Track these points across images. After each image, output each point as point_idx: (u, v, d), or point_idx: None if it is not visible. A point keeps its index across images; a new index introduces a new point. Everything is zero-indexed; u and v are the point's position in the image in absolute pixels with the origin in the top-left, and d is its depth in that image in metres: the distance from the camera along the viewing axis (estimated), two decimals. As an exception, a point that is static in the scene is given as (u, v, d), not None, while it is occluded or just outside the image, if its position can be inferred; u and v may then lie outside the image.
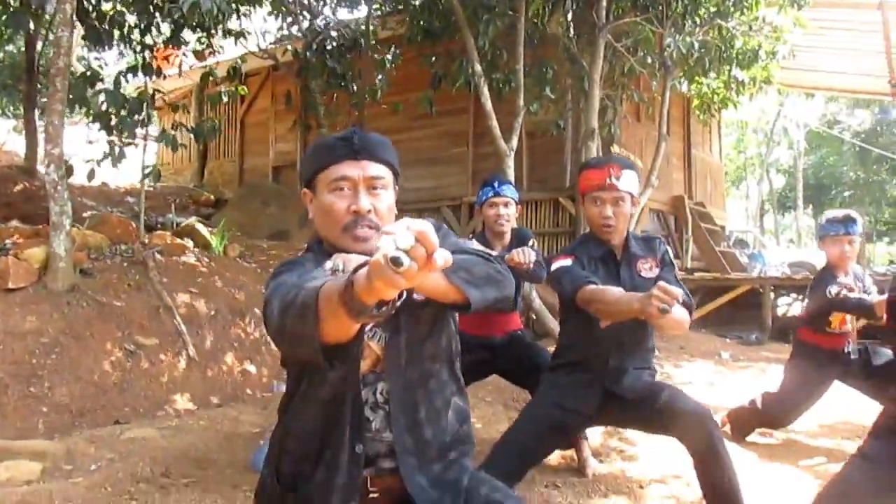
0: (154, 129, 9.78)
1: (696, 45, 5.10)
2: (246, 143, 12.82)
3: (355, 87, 7.11)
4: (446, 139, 10.07)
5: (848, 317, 3.80)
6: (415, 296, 1.54)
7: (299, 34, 8.04)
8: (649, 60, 5.59)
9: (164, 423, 4.19)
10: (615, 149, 8.90)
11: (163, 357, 4.77)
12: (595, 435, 4.03)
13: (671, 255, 2.72)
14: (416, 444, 1.61)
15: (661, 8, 5.23)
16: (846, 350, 3.82)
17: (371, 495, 1.61)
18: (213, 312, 5.30)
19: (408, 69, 7.72)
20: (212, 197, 10.93)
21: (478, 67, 5.22)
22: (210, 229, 7.00)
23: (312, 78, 7.27)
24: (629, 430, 4.20)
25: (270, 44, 9.80)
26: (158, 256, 5.51)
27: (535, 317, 6.71)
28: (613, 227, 2.58)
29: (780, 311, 10.34)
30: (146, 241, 5.80)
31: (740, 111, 9.08)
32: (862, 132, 25.16)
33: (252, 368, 5.21)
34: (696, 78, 6.50)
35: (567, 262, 2.57)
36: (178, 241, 5.95)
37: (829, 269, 3.82)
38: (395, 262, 1.01)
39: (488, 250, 1.67)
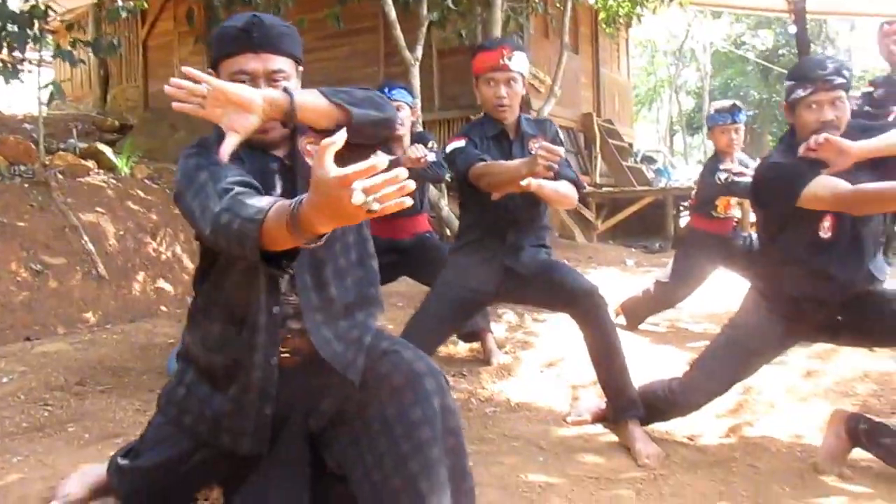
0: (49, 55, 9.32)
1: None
2: (150, 67, 12.35)
3: (259, 3, 6.92)
4: (357, 59, 9.95)
5: (733, 201, 4.10)
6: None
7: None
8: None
9: (77, 337, 4.20)
10: (547, 79, 9.02)
11: (71, 276, 4.73)
12: (500, 329, 4.26)
13: (562, 137, 2.86)
14: (321, 301, 1.70)
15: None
16: (732, 235, 4.13)
17: (282, 355, 1.70)
18: (122, 232, 5.26)
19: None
20: (116, 123, 10.55)
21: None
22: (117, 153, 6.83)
23: (216, -4, 7.03)
24: (533, 323, 4.47)
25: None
26: (61, 177, 5.39)
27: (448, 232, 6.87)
28: (507, 107, 2.67)
29: (682, 222, 10.82)
30: (47, 162, 5.64)
31: (649, 31, 9.28)
32: (765, 51, 25.94)
33: (166, 286, 5.22)
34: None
35: (461, 143, 2.67)
36: (83, 162, 5.81)
37: (717, 158, 4.10)
38: (369, 210, 1.11)
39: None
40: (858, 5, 11.52)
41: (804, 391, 3.26)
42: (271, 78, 1.65)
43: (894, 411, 2.96)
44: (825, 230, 2.35)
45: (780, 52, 25.42)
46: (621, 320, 4.37)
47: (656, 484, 2.34)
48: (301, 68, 1.77)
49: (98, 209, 5.25)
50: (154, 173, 6.69)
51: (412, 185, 1.17)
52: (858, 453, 2.44)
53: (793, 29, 11.60)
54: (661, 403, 2.67)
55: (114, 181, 5.80)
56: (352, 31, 8.66)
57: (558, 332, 4.13)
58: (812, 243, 2.36)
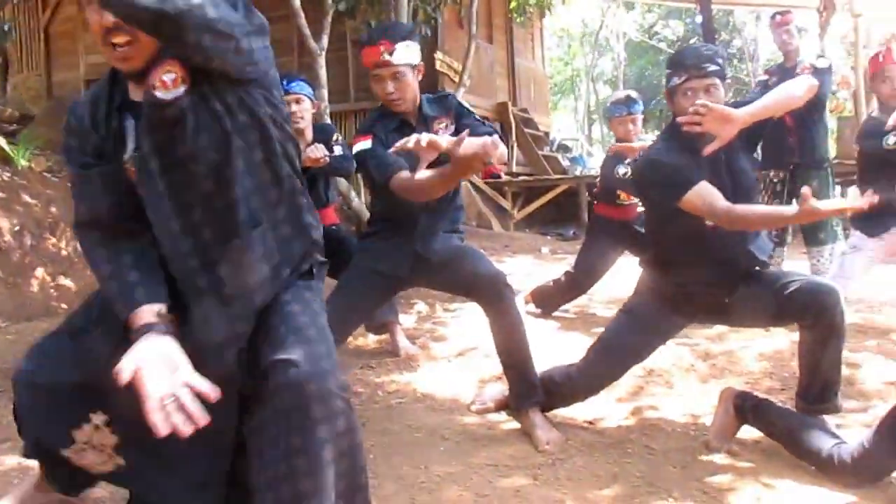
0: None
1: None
2: (53, 56, 11.80)
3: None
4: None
5: None
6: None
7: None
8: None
9: (-31, 339, 4.02)
10: (438, 56, 9.02)
11: (-35, 275, 4.52)
12: (410, 320, 4.27)
13: (466, 105, 2.77)
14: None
15: None
16: (636, 220, 4.24)
17: None
18: (17, 227, 5.03)
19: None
20: (16, 113, 10.05)
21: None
22: (13, 144, 6.53)
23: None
24: (444, 313, 4.50)
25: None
26: (-51, 170, 5.13)
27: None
28: (399, 100, 2.64)
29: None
30: (-65, 156, 5.36)
31: (564, 21, 9.40)
32: (676, 40, 26.69)
33: (67, 282, 5.03)
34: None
35: (367, 143, 2.60)
36: (-27, 155, 5.53)
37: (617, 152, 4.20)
38: None
39: None
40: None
41: (702, 372, 3.38)
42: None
43: (785, 388, 3.10)
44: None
45: (692, 41, 26.16)
46: (531, 308, 4.44)
47: (554, 469, 2.40)
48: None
49: (-9, 204, 5.00)
50: (55, 166, 6.42)
51: None
52: (747, 430, 2.56)
53: (699, 19, 11.98)
54: (562, 389, 2.74)
55: (8, 174, 5.55)
56: (266, 18, 8.48)
57: (469, 322, 4.17)
58: (696, 231, 2.45)
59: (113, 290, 1.64)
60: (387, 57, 2.56)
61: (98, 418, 1.74)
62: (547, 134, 13.21)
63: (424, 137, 2.11)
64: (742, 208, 2.32)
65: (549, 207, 9.64)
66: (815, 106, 4.20)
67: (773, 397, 2.70)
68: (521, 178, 10.35)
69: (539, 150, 11.22)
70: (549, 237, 9.03)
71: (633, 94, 4.31)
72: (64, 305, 4.87)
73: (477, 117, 2.75)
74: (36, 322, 4.42)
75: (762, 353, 3.54)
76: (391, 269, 2.77)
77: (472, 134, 2.32)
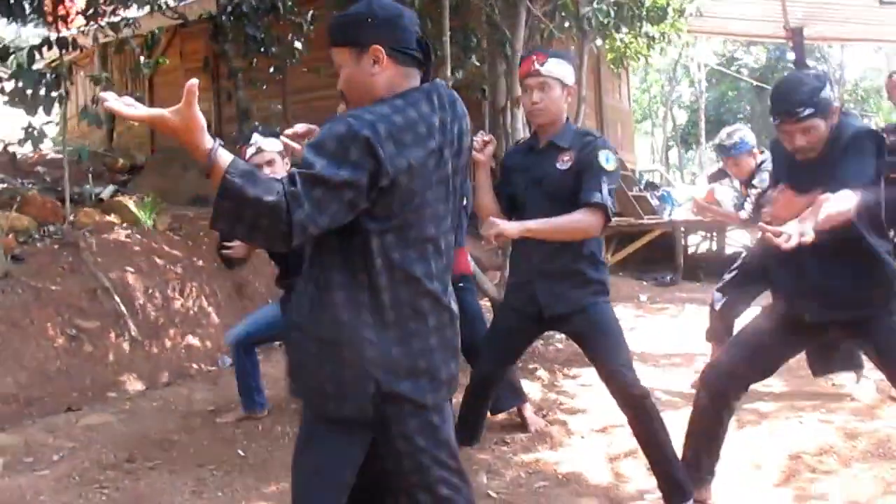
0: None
1: (610, 9, 5.31)
2: (156, 104, 12.10)
3: (274, 51, 7.02)
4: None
5: None
6: None
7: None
8: (566, 25, 5.77)
9: (118, 406, 4.25)
10: None
11: (105, 339, 4.78)
12: (532, 389, 4.31)
13: (602, 158, 2.68)
14: None
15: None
16: None
17: None
18: (150, 289, 5.31)
19: (326, 25, 7.60)
20: (126, 163, 10.59)
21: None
22: (132, 198, 6.89)
23: (227, 42, 7.12)
24: (564, 381, 4.54)
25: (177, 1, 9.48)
26: (89, 236, 5.45)
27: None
28: (542, 111, 2.73)
29: (689, 251, 10.91)
30: (73, 219, 5.70)
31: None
32: (758, 69, 26.22)
33: (196, 342, 5.27)
34: (610, 34, 6.73)
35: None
36: (107, 217, 5.87)
37: None
38: None
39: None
40: (845, 33, 11.75)
41: (845, 455, 3.33)
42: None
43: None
44: None
45: (776, 67, 25.72)
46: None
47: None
48: (368, 49, 1.69)
49: (127, 268, 5.29)
50: (174, 222, 6.74)
51: None
52: None
53: (791, 55, 11.82)
54: None
55: (138, 236, 5.85)
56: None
57: (595, 390, 4.21)
58: None
59: None
60: (536, 66, 2.69)
61: None
62: (634, 171, 13.13)
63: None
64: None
65: (642, 249, 9.58)
66: None
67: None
68: (614, 220, 10.29)
69: (629, 191, 11.15)
70: (644, 283, 8.96)
71: (733, 134, 4.31)
72: (195, 366, 5.11)
73: (604, 178, 2.65)
74: (174, 387, 4.65)
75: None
76: (519, 305, 2.91)
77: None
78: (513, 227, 2.59)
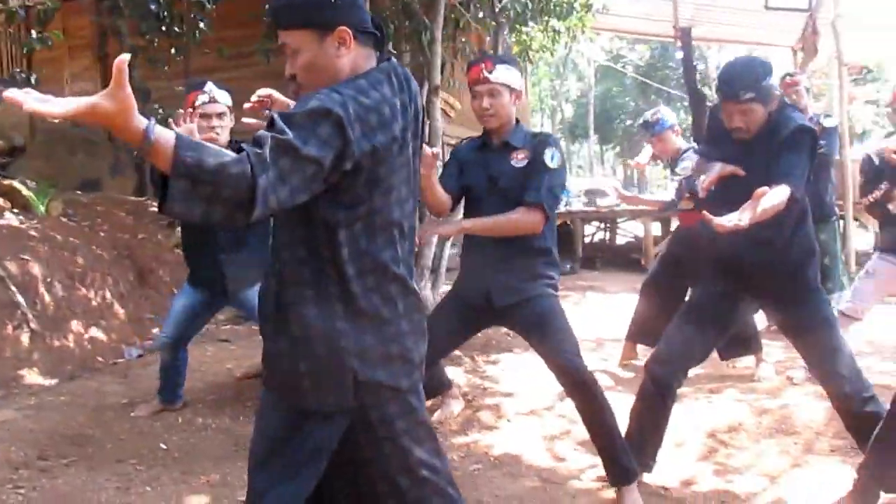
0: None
1: (528, 1, 5.42)
2: (36, 84, 11.62)
3: (176, 30, 6.74)
4: (271, 81, 9.76)
5: None
6: None
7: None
8: (480, 15, 5.85)
9: (21, 402, 4.00)
10: (457, 105, 9.18)
11: (2, 331, 4.48)
12: (458, 377, 4.37)
13: (551, 155, 2.76)
14: None
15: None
16: None
17: None
18: (48, 279, 5.01)
19: (236, 4, 7.33)
20: (4, 145, 9.89)
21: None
22: (17, 181, 6.46)
23: (121, 18, 6.78)
24: (487, 366, 4.62)
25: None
26: (-22, 222, 5.09)
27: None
28: (493, 116, 2.78)
29: (586, 241, 11.28)
30: (-41, 204, 5.31)
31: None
32: (642, 66, 27.31)
33: (100, 334, 5.03)
34: (518, 27, 6.86)
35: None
36: (-2, 203, 5.50)
37: None
38: None
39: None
40: (730, 35, 12.40)
41: (753, 431, 3.56)
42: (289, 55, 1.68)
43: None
44: None
45: (657, 65, 26.89)
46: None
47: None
48: (334, 31, 1.63)
49: (22, 256, 4.97)
50: (67, 207, 6.38)
51: None
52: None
53: (680, 55, 12.36)
54: None
55: (31, 221, 5.52)
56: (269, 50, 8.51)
57: (515, 375, 4.31)
58: None
59: None
60: (485, 74, 2.75)
61: None
62: (531, 163, 13.39)
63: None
64: None
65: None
66: (822, 164, 4.43)
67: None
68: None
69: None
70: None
71: (655, 113, 4.64)
72: (100, 358, 4.88)
73: (547, 176, 2.74)
74: (81, 381, 4.42)
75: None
76: (468, 294, 2.94)
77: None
78: (450, 227, 2.63)
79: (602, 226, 12.23)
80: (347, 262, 1.61)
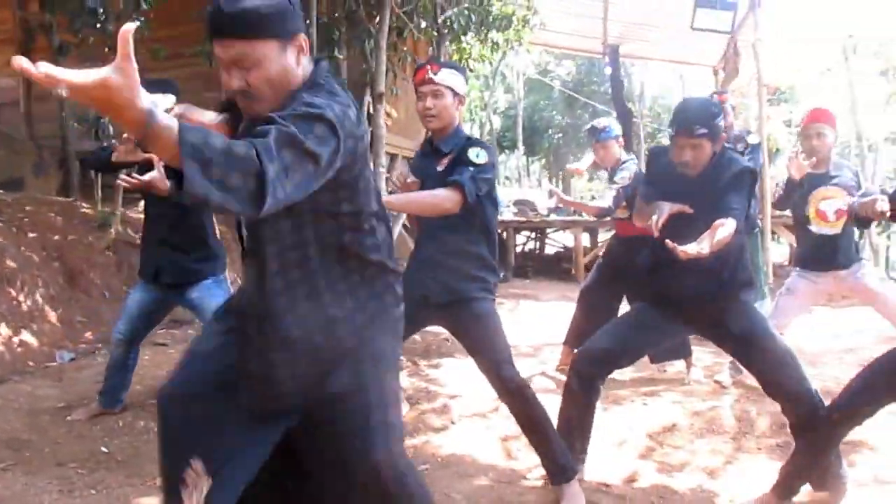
0: None
1: (472, 14, 5.54)
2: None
3: (111, 28, 6.58)
4: (199, 81, 9.61)
5: None
6: None
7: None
8: (423, 25, 5.93)
9: (-50, 405, 3.86)
10: (394, 113, 9.22)
11: (-75, 333, 4.31)
12: (403, 380, 4.42)
13: (474, 155, 2.78)
14: None
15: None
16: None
17: None
18: (-27, 280, 4.84)
19: (173, 3, 7.20)
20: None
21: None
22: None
23: (52, 13, 6.58)
24: (430, 370, 4.69)
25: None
26: None
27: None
28: (435, 116, 2.84)
29: (517, 250, 11.49)
30: None
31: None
32: (570, 81, 27.92)
33: (30, 338, 4.86)
34: (459, 37, 6.98)
35: None
36: (-83, 200, 5.25)
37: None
38: None
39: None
40: (654, 52, 12.86)
41: (686, 431, 3.74)
42: (238, 64, 1.60)
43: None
44: None
45: (584, 81, 27.52)
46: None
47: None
48: (292, 39, 1.64)
49: (-55, 255, 4.78)
50: (-8, 206, 6.14)
51: None
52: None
53: (608, 70, 12.77)
54: None
55: (-44, 221, 5.31)
56: (198, 52, 8.40)
57: (457, 378, 4.39)
58: None
59: None
60: (430, 75, 2.82)
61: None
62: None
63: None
64: None
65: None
66: None
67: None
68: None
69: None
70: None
71: (601, 121, 4.82)
72: (31, 363, 4.72)
73: (471, 168, 2.76)
74: (12, 384, 4.28)
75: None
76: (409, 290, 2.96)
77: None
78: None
79: (532, 235, 12.46)
80: (353, 257, 1.74)
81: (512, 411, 2.88)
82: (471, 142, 2.88)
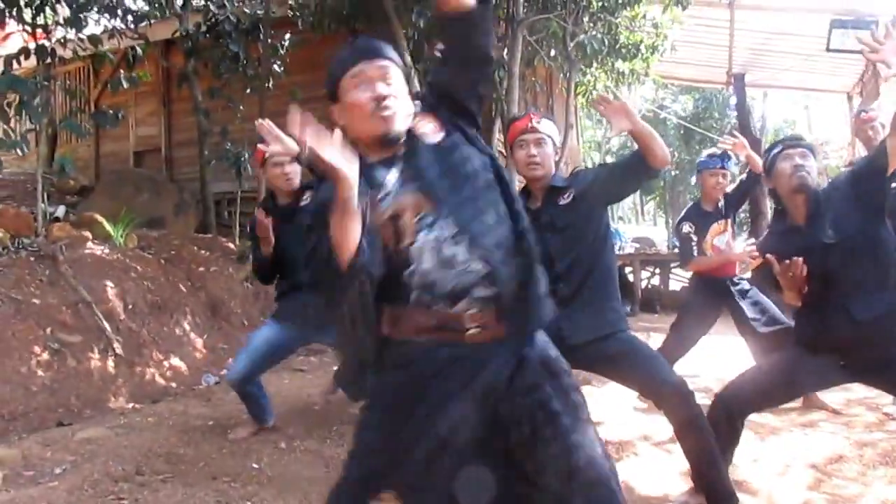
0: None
1: (605, 38, 5.49)
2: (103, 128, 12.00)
3: (251, 73, 6.95)
4: (329, 122, 9.96)
5: (716, 241, 4.36)
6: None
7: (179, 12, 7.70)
8: (552, 54, 5.94)
9: (112, 421, 4.06)
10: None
11: (89, 354, 4.57)
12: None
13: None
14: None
15: (570, 5, 5.58)
16: (734, 279, 4.34)
17: (470, 331, 1.68)
18: (130, 306, 5.12)
19: (310, 48, 7.55)
20: (75, 184, 10.19)
21: (408, 59, 5.33)
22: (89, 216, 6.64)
23: (204, 61, 7.01)
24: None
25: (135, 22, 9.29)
26: (64, 250, 5.23)
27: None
28: (539, 164, 2.81)
29: (643, 284, 11.20)
30: (45, 233, 5.47)
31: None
32: (686, 116, 27.32)
33: (178, 363, 5.10)
34: (583, 68, 6.95)
35: None
36: (81, 232, 5.65)
37: (696, 204, 4.50)
38: None
39: None
40: (781, 80, 12.39)
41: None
42: (383, 77, 1.84)
43: None
44: None
45: (701, 116, 26.87)
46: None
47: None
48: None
49: (106, 283, 5.09)
50: (141, 241, 6.54)
51: None
52: None
53: (733, 100, 12.41)
54: None
55: (115, 253, 5.65)
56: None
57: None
58: None
59: None
60: (534, 124, 2.83)
61: None
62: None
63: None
64: None
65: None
66: None
67: None
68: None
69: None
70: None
71: (729, 150, 4.56)
72: (182, 386, 4.93)
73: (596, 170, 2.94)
74: (168, 403, 4.47)
75: None
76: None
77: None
78: None
79: (653, 271, 12.14)
80: None
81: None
82: (579, 169, 2.99)
